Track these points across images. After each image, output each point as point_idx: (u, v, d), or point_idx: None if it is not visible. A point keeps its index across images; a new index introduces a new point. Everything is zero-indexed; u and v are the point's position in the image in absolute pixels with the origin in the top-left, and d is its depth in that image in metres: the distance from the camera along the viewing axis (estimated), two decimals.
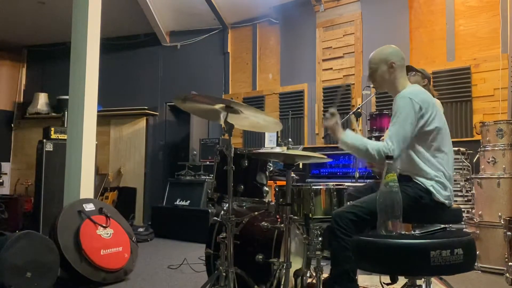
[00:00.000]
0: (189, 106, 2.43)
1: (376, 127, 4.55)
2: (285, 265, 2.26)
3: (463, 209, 3.98)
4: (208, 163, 6.06)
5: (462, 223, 3.83)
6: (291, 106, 6.14)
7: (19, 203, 5.94)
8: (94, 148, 3.87)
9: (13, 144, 7.72)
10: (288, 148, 2.25)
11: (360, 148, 2.13)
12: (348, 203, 2.38)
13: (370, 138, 4.60)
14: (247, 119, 2.48)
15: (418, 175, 2.14)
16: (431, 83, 3.94)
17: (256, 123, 2.57)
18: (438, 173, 2.12)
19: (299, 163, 4.94)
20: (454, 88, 4.90)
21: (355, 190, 2.76)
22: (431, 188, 2.10)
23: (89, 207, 3.42)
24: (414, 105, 2.10)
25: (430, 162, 2.13)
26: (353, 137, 2.20)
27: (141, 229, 5.44)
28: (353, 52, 5.80)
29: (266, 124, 2.58)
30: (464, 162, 4.22)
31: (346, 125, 5.54)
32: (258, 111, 2.36)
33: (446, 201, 2.12)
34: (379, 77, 2.34)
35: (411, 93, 2.15)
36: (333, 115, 2.31)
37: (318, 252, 2.45)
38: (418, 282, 1.78)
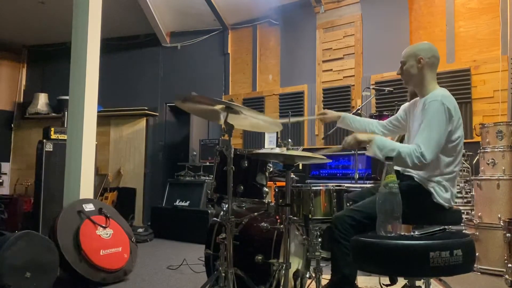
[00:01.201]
0: (189, 106, 2.44)
1: None
2: (284, 266, 2.26)
3: (462, 211, 3.99)
4: (208, 163, 6.07)
5: (462, 224, 3.84)
6: (291, 107, 6.14)
7: (18, 203, 5.94)
8: (94, 149, 3.87)
9: (13, 144, 7.72)
10: (287, 149, 2.25)
11: (392, 151, 2.01)
12: (347, 204, 2.38)
13: None
14: (247, 119, 2.49)
15: (420, 175, 2.14)
16: None
17: (256, 123, 2.57)
18: (442, 176, 2.11)
19: (298, 164, 4.94)
20: (454, 89, 4.90)
21: (354, 195, 2.75)
22: (431, 190, 2.10)
23: (89, 207, 3.42)
24: (446, 110, 2.05)
25: (440, 167, 2.11)
26: (383, 140, 2.10)
27: (140, 230, 5.43)
28: (353, 53, 5.80)
29: (266, 124, 2.59)
30: (464, 163, 4.22)
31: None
32: (257, 112, 2.36)
33: (446, 204, 2.11)
34: (406, 71, 2.30)
35: (444, 97, 2.10)
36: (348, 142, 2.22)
37: (318, 253, 2.45)
38: (418, 283, 1.78)
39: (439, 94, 2.13)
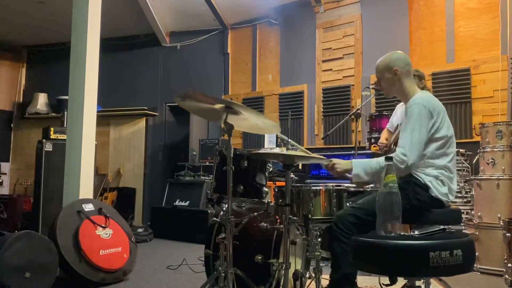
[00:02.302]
0: (189, 104, 2.43)
1: (376, 128, 4.55)
2: (284, 265, 2.26)
3: (462, 210, 3.98)
4: (207, 163, 6.06)
5: (462, 224, 3.84)
6: (290, 107, 6.14)
7: (18, 203, 5.93)
8: (94, 148, 3.87)
9: (13, 144, 7.72)
10: (287, 149, 2.25)
11: (374, 167, 2.12)
12: (348, 204, 2.38)
13: (369, 139, 4.61)
14: (247, 121, 2.48)
15: (417, 171, 2.16)
16: (427, 83, 3.95)
17: (255, 125, 2.57)
18: (438, 171, 2.14)
19: (298, 164, 4.94)
20: (454, 89, 4.91)
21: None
22: (429, 183, 2.12)
23: (89, 207, 3.42)
24: (426, 111, 2.12)
25: (433, 163, 2.15)
26: (362, 162, 2.19)
27: (140, 230, 5.43)
28: (353, 53, 5.80)
29: (265, 126, 2.58)
30: (464, 163, 4.22)
31: (346, 126, 5.56)
32: (257, 113, 2.36)
33: (444, 198, 2.13)
34: (385, 84, 2.36)
35: (422, 99, 2.17)
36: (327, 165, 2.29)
37: (317, 253, 2.45)
38: (417, 283, 1.78)
39: (418, 98, 2.21)
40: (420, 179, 2.13)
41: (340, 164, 2.25)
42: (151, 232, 5.56)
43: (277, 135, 5.84)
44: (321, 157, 2.34)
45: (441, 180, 2.14)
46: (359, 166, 2.17)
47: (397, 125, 3.37)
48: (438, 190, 2.12)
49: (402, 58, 2.33)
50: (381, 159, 2.12)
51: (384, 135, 3.70)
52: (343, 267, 2.02)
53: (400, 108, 3.59)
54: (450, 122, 2.25)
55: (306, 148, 5.38)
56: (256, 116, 2.40)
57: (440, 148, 2.16)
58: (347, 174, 2.23)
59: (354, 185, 2.46)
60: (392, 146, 3.23)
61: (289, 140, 2.53)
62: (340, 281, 2.04)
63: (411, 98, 2.25)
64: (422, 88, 2.81)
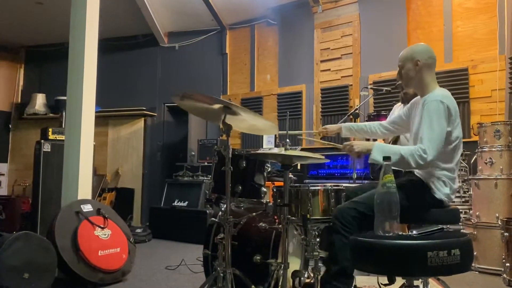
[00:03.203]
0: (187, 104, 2.43)
1: None
2: (282, 266, 2.26)
3: (460, 210, 3.99)
4: (206, 164, 6.06)
5: (460, 223, 3.84)
6: (289, 107, 6.14)
7: (16, 203, 5.92)
8: (92, 149, 3.86)
9: (11, 144, 7.70)
10: (286, 149, 2.25)
11: (394, 155, 2.04)
12: (343, 200, 2.38)
13: (368, 139, 4.61)
14: (245, 121, 2.48)
15: (423, 171, 2.15)
16: None
17: (254, 125, 2.57)
18: (441, 172, 2.13)
19: (297, 164, 4.94)
20: (452, 89, 4.84)
21: (354, 188, 2.74)
22: (431, 185, 2.12)
23: (87, 208, 3.42)
24: (445, 109, 2.08)
25: (440, 165, 2.13)
26: (384, 147, 2.15)
27: (139, 230, 5.43)
28: (351, 53, 5.80)
29: (263, 127, 2.58)
30: (462, 163, 4.23)
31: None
32: (255, 114, 2.36)
33: (445, 199, 2.13)
34: (405, 75, 2.32)
35: (443, 97, 2.12)
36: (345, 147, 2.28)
37: (316, 253, 2.45)
38: (416, 282, 1.78)
39: (439, 94, 2.15)
40: (422, 179, 2.13)
41: (360, 145, 2.22)
42: (150, 232, 5.55)
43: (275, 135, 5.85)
44: (320, 156, 2.35)
45: (443, 181, 2.12)
46: (379, 150, 2.11)
47: None
48: (440, 190, 2.11)
49: (427, 50, 2.28)
50: (403, 148, 2.08)
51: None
52: (341, 260, 2.03)
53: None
54: None
55: (304, 149, 5.37)
56: (255, 117, 2.40)
57: (452, 149, 2.14)
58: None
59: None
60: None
61: (288, 131, 2.51)
62: (337, 274, 2.05)
63: (429, 92, 2.22)
64: None
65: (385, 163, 1.82)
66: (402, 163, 2.04)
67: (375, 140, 3.20)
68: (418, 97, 2.38)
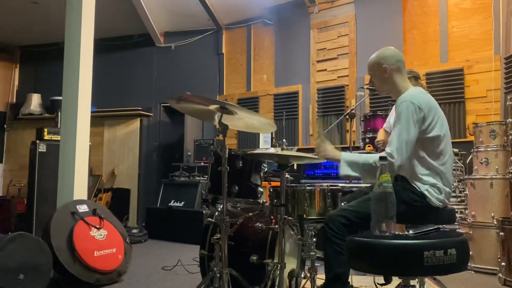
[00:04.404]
0: (183, 106, 2.43)
1: (370, 128, 4.56)
2: (279, 266, 2.26)
3: (456, 210, 4.01)
4: (202, 164, 6.05)
5: (456, 223, 3.85)
6: (285, 107, 6.14)
7: (11, 204, 5.90)
8: (88, 149, 3.85)
9: (6, 145, 7.66)
10: (282, 149, 2.25)
11: (362, 164, 2.05)
12: (343, 203, 2.38)
13: (364, 139, 4.62)
14: (242, 120, 2.48)
15: (415, 178, 2.12)
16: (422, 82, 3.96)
17: (251, 124, 2.57)
18: (435, 178, 2.09)
19: (293, 164, 4.94)
20: (447, 89, 4.94)
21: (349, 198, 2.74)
22: (425, 192, 2.08)
23: (83, 208, 3.41)
24: (415, 108, 2.05)
25: (429, 167, 2.10)
26: (352, 157, 2.12)
27: (135, 230, 5.41)
28: (347, 53, 5.82)
29: (260, 125, 2.58)
30: (457, 163, 4.25)
31: (340, 126, 5.57)
32: (252, 112, 2.36)
33: (440, 204, 2.10)
34: (377, 82, 2.32)
35: (412, 96, 2.10)
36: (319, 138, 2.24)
37: (312, 253, 2.46)
38: (412, 282, 1.78)
39: (408, 94, 2.14)
40: (417, 188, 2.10)
41: (329, 152, 2.19)
42: (146, 233, 5.54)
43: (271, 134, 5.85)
44: (317, 156, 2.34)
45: (437, 188, 2.09)
46: (346, 163, 2.09)
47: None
48: (435, 197, 2.08)
49: (392, 54, 2.26)
50: (374, 156, 2.06)
51: (380, 135, 3.71)
52: (335, 267, 2.02)
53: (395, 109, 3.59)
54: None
55: (300, 149, 5.37)
56: (251, 115, 2.40)
57: (435, 148, 2.11)
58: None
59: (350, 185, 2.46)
60: None
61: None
62: (332, 281, 2.04)
63: (402, 94, 2.20)
64: None
65: (381, 162, 1.82)
66: (372, 171, 2.01)
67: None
68: None
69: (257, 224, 2.60)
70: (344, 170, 2.09)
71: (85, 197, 3.71)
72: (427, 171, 2.10)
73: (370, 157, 2.07)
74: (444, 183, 2.12)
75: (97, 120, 6.31)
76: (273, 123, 2.57)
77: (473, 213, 3.76)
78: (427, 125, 2.08)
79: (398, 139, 2.03)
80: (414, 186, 2.11)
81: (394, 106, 2.55)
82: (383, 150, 3.32)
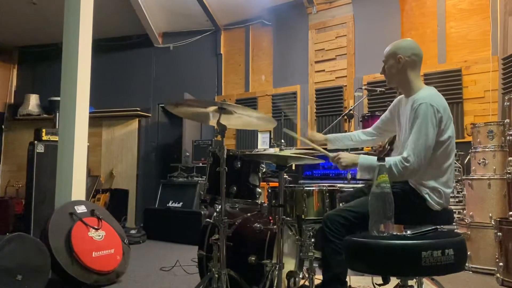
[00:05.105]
0: (182, 110, 2.43)
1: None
2: (277, 266, 2.26)
3: (454, 210, 4.01)
4: (200, 164, 6.05)
5: (454, 224, 3.86)
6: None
7: (9, 205, 5.88)
8: (86, 150, 3.85)
9: (4, 145, 7.64)
10: (280, 150, 2.25)
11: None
12: (341, 204, 2.38)
13: None
14: (241, 118, 2.48)
15: (416, 181, 2.11)
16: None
17: (250, 121, 2.57)
18: (437, 181, 2.08)
19: (291, 165, 4.95)
20: (445, 90, 4.93)
21: (347, 195, 2.76)
22: (426, 196, 2.07)
23: (81, 209, 3.40)
24: (434, 111, 2.00)
25: (432, 171, 2.08)
26: (368, 160, 2.09)
27: (133, 231, 5.41)
28: (346, 54, 5.82)
29: (260, 121, 2.58)
30: (456, 163, 4.25)
31: (339, 127, 5.58)
32: (250, 109, 2.36)
33: (439, 207, 2.09)
34: (387, 71, 2.26)
35: (431, 98, 2.04)
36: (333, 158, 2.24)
37: (311, 253, 2.46)
38: (410, 282, 1.79)
39: (426, 96, 2.07)
40: (417, 191, 2.09)
41: (346, 158, 2.17)
42: (144, 233, 5.53)
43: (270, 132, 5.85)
44: (325, 152, 2.35)
45: (438, 191, 2.07)
46: (365, 163, 2.08)
47: None
48: (435, 201, 2.07)
49: (410, 46, 2.20)
50: (389, 159, 2.01)
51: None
52: (333, 267, 2.02)
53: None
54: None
55: (298, 149, 5.38)
56: (249, 113, 2.40)
57: (446, 149, 2.07)
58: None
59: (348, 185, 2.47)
60: (386, 146, 3.24)
61: (284, 128, 2.49)
62: (330, 281, 2.04)
63: (414, 93, 2.15)
64: None
65: (379, 163, 1.82)
66: (389, 174, 1.96)
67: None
68: (402, 96, 2.33)
69: (255, 224, 2.60)
70: (362, 174, 2.10)
71: (83, 197, 3.70)
72: (431, 173, 2.08)
73: (387, 160, 2.01)
74: (449, 184, 2.11)
75: (95, 121, 6.29)
76: (272, 118, 2.56)
77: (471, 213, 3.77)
78: (442, 128, 2.05)
79: (416, 143, 1.99)
80: (414, 188, 2.11)
81: (393, 103, 2.53)
82: (381, 151, 3.33)
